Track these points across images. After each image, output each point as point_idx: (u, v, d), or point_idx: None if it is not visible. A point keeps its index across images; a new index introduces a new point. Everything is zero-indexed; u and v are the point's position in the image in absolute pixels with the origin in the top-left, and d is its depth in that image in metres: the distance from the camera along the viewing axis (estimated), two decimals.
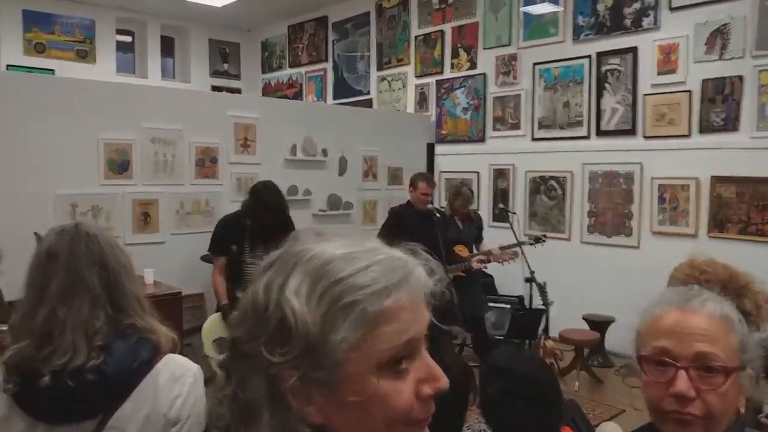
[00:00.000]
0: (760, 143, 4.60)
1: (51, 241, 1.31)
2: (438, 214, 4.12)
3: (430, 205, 4.17)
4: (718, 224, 4.88)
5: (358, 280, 0.63)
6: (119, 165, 4.95)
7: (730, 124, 4.77)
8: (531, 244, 4.51)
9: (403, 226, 4.12)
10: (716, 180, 4.86)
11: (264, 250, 3.72)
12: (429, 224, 4.00)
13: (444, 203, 5.38)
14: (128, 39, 8.75)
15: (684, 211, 5.08)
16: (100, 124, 4.81)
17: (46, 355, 1.21)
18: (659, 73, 5.16)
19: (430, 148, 6.84)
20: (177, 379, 1.29)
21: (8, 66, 7.51)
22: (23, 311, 1.28)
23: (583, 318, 5.19)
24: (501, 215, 6.30)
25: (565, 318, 4.88)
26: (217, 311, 3.88)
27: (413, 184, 4.16)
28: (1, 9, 7.52)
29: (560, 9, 5.85)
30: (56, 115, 4.60)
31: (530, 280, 4.04)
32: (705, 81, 4.88)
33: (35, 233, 4.24)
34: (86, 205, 4.80)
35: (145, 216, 5.13)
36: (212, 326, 3.69)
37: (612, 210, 5.60)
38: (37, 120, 4.51)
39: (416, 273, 0.67)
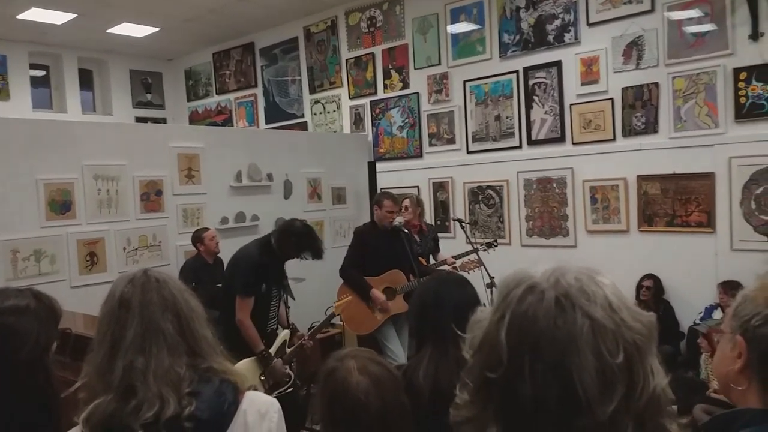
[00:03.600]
0: (679, 143, 5.08)
1: (122, 290, 1.27)
2: (405, 230, 4.25)
3: (396, 222, 4.28)
4: (647, 219, 5.31)
5: None
6: (61, 205, 4.77)
7: (651, 126, 5.23)
8: (484, 250, 4.72)
9: (369, 245, 4.21)
10: (642, 179, 5.30)
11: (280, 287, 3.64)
12: (398, 241, 4.12)
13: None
14: (42, 73, 8.37)
15: (615, 209, 5.49)
16: (37, 165, 4.62)
17: (133, 408, 1.17)
18: (583, 84, 5.57)
19: (371, 167, 6.99)
20: (264, 416, 1.30)
21: None
22: (97, 365, 1.23)
23: None
24: (442, 226, 6.54)
25: None
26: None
27: (378, 203, 4.25)
28: None
29: (478, 27, 6.22)
30: None
31: (491, 285, 4.24)
32: (625, 89, 5.33)
33: None
34: (28, 249, 4.59)
35: (92, 256, 4.95)
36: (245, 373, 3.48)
37: (548, 213, 5.95)
38: None
39: None
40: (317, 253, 3.51)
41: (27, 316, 1.39)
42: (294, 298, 4.03)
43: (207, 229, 5.30)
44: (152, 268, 1.36)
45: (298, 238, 3.45)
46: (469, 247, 4.74)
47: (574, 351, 0.71)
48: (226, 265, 4.11)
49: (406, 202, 4.96)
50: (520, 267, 0.82)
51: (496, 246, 4.88)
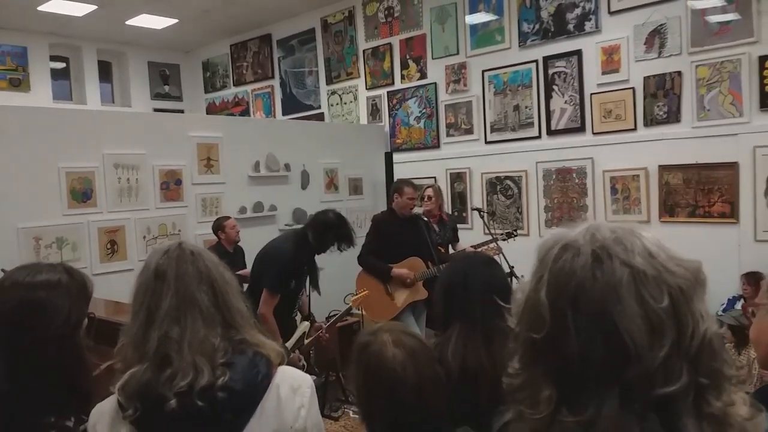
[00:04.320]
0: (701, 132, 5.00)
1: (157, 262, 1.28)
2: (425, 218, 4.23)
3: (415, 210, 4.26)
4: (669, 210, 5.25)
5: None
6: (82, 193, 4.81)
7: (673, 116, 5.15)
8: (504, 240, 4.68)
9: (388, 233, 4.19)
10: (663, 169, 5.23)
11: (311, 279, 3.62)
12: (416, 229, 4.10)
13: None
14: (62, 65, 8.44)
15: (636, 199, 5.43)
16: (59, 153, 4.67)
17: (167, 377, 1.18)
18: (603, 73, 5.50)
19: (388, 157, 6.97)
20: (296, 390, 1.29)
21: None
22: (133, 335, 1.24)
23: None
24: (459, 217, 6.51)
25: None
26: None
27: (398, 191, 4.22)
28: None
29: (497, 17, 6.17)
30: (12, 146, 4.42)
31: (510, 275, 4.21)
32: (647, 78, 5.25)
33: (2, 269, 4.06)
34: (50, 237, 4.64)
35: (112, 244, 4.99)
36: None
37: (568, 204, 5.89)
38: None
39: None
40: (352, 241, 3.50)
41: (59, 291, 1.37)
42: (320, 293, 3.91)
43: (228, 217, 5.32)
44: (186, 241, 1.35)
45: (337, 230, 3.42)
46: (489, 237, 4.71)
47: (615, 300, 0.71)
48: (248, 255, 4.09)
49: (429, 192, 4.93)
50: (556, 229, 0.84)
51: (516, 236, 4.84)
